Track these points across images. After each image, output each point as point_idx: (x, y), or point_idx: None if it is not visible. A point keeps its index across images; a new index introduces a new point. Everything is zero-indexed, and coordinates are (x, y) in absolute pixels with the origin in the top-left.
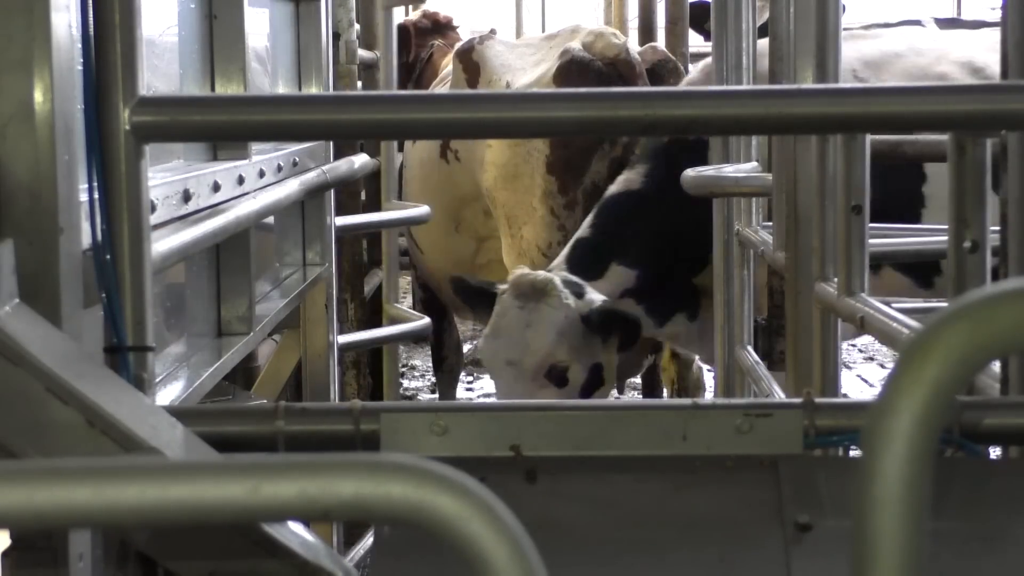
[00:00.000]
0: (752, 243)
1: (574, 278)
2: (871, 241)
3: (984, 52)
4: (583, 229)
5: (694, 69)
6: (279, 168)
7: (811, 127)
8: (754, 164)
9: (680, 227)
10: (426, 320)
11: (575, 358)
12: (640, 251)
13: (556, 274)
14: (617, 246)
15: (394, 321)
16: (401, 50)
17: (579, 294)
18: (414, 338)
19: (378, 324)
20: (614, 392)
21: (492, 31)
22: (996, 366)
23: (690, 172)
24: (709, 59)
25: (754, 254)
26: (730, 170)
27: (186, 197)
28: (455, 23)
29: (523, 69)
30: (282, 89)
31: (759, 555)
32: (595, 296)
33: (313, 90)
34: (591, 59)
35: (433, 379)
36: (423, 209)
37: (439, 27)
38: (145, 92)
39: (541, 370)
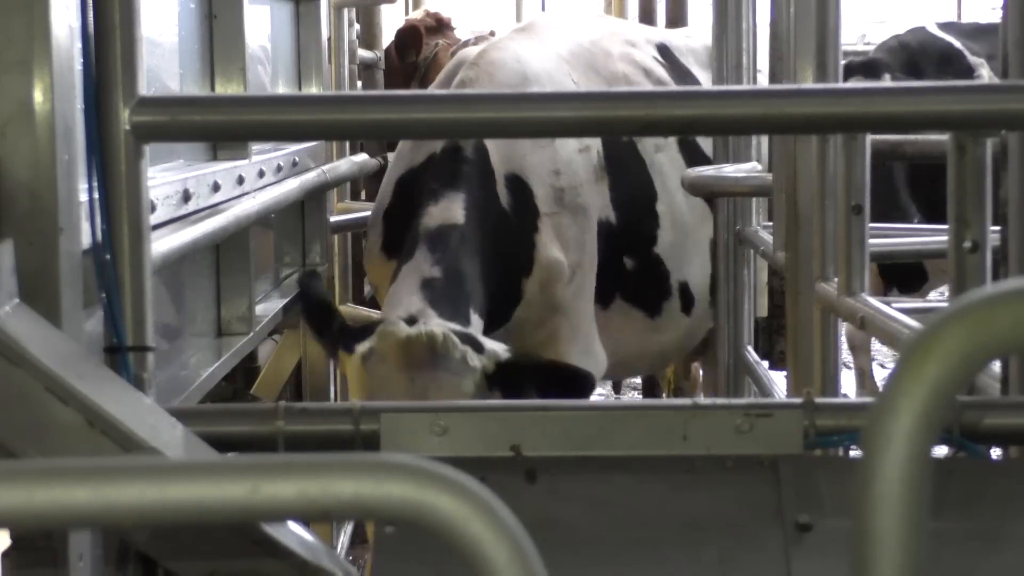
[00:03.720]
0: (752, 243)
1: (460, 328)
2: (871, 241)
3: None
4: (425, 267)
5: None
6: (279, 168)
7: (811, 127)
8: (754, 164)
9: (499, 270)
10: None
11: None
12: (481, 294)
13: (437, 325)
14: (466, 289)
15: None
16: (410, 49)
17: (478, 347)
18: None
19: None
20: (613, 392)
21: (491, 32)
22: (996, 366)
23: (690, 172)
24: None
25: (754, 254)
26: (730, 170)
27: (186, 197)
28: (453, 24)
29: None
30: (282, 89)
31: (759, 555)
32: (494, 345)
33: (313, 90)
34: None
35: None
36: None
37: (442, 27)
38: (145, 92)
39: None
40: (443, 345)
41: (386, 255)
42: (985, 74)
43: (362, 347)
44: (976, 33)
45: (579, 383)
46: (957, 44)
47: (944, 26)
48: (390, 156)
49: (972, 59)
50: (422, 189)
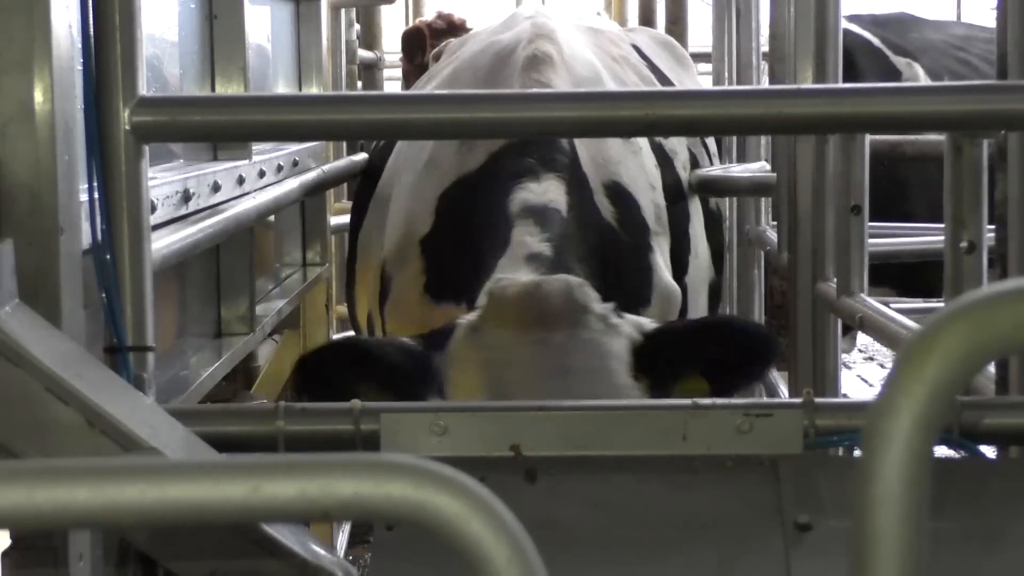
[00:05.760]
0: (760, 243)
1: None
2: (871, 241)
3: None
4: (531, 241)
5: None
6: (279, 168)
7: (811, 127)
8: (761, 163)
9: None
10: None
11: None
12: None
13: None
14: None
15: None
16: (416, 51)
17: (617, 311)
18: None
19: None
20: None
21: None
22: (992, 367)
23: (698, 171)
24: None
25: (762, 253)
26: (737, 169)
27: (186, 197)
28: (468, 25)
29: None
30: (282, 89)
31: (759, 555)
32: (636, 318)
33: (313, 90)
34: None
35: None
36: None
37: (454, 29)
38: (145, 92)
39: None
40: (581, 292)
41: (432, 298)
42: (921, 74)
43: (469, 316)
44: (885, 23)
45: (765, 343)
46: (876, 42)
47: (852, 18)
48: None
49: (895, 59)
50: (499, 179)
